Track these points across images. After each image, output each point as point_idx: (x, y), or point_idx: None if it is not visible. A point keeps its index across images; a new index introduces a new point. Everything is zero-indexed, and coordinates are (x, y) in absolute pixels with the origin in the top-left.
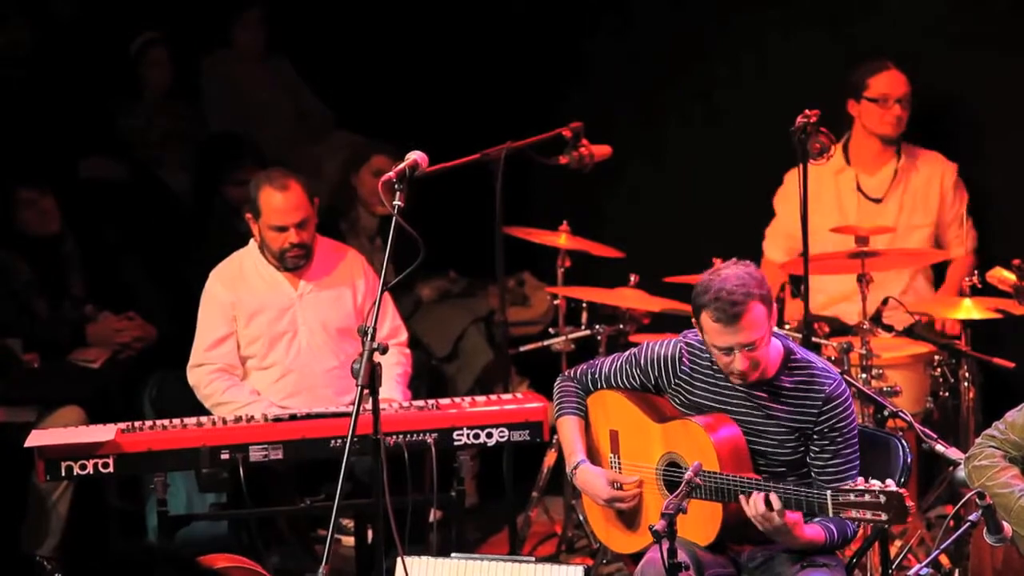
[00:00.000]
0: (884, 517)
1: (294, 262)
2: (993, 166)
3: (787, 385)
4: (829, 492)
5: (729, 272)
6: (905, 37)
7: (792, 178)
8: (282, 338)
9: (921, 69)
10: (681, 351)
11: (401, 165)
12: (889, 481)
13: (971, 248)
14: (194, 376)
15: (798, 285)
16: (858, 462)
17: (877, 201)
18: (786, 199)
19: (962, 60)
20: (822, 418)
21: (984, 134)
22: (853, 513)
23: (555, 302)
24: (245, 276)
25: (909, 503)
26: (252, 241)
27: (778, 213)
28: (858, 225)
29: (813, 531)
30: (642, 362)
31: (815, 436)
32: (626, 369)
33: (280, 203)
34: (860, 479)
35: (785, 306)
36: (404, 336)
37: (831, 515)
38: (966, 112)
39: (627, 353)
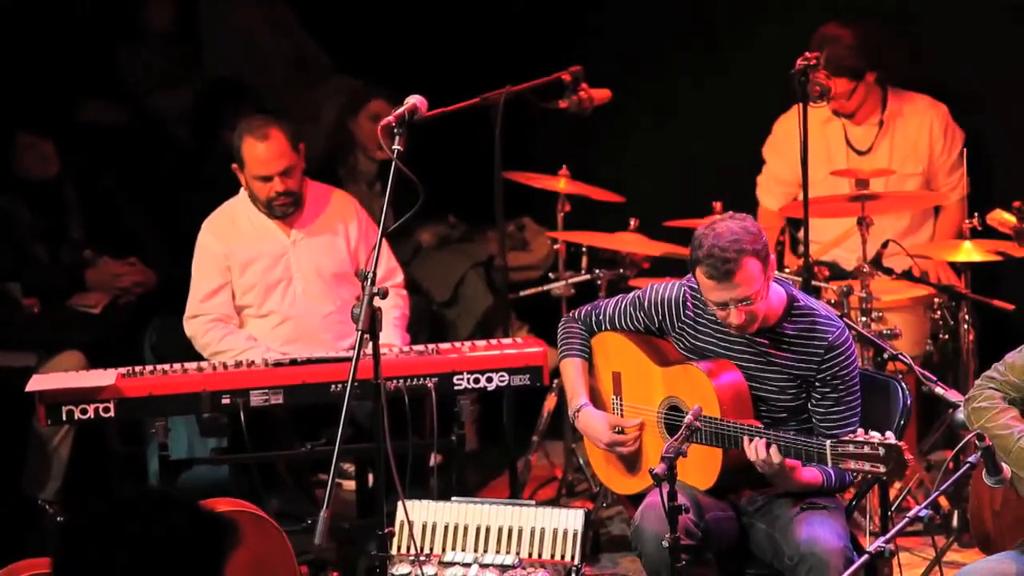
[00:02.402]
0: (883, 470)
1: (282, 210)
2: (988, 107)
3: (790, 332)
4: (828, 443)
5: (723, 227)
6: None
7: (780, 127)
8: (277, 286)
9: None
10: (685, 295)
11: (400, 109)
12: (889, 434)
13: (963, 195)
14: (190, 327)
15: (796, 231)
16: (859, 410)
17: (864, 153)
18: (775, 148)
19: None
20: (824, 366)
21: (980, 75)
22: (852, 465)
23: (555, 247)
24: (237, 226)
25: (908, 456)
26: (243, 190)
27: (768, 162)
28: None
29: (811, 474)
30: (646, 304)
31: (817, 384)
32: (630, 311)
33: (262, 152)
34: (860, 431)
35: (785, 251)
36: (400, 277)
37: (830, 466)
38: (960, 55)
39: (631, 295)
